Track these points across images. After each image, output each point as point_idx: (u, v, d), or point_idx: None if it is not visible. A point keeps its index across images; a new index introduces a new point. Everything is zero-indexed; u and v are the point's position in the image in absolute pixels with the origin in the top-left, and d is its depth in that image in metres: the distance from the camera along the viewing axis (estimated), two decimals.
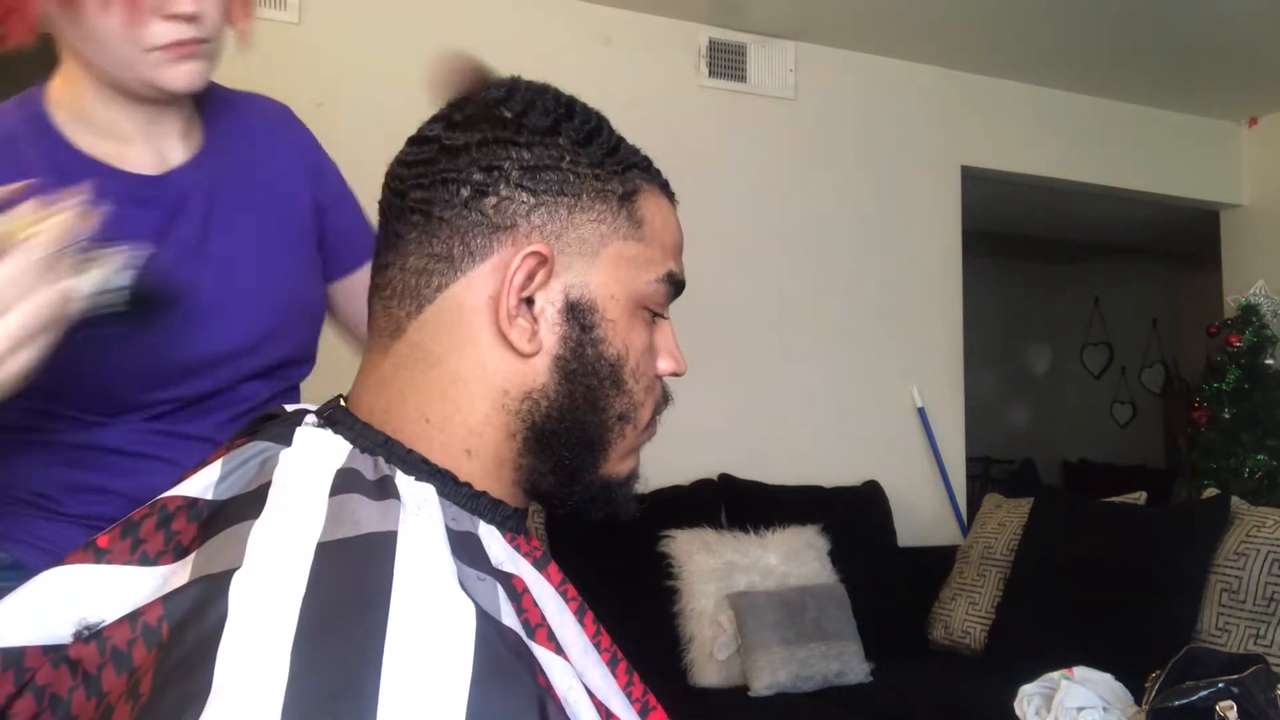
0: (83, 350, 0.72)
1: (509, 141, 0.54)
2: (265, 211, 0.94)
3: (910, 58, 3.38)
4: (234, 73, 2.78)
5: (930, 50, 3.33)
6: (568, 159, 0.55)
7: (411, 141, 0.57)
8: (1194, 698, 1.67)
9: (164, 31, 0.78)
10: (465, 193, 0.53)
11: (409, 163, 0.56)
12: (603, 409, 0.56)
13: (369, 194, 0.58)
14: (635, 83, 2.99)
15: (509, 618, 0.46)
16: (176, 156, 0.89)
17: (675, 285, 0.60)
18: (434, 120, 0.57)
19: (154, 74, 0.80)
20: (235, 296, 0.88)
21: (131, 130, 0.86)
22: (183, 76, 0.81)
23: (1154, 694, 1.76)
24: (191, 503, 0.50)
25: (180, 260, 0.84)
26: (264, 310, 0.91)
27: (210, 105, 0.95)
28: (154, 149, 0.87)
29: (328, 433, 0.53)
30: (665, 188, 0.62)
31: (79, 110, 0.84)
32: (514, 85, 0.57)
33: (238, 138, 0.96)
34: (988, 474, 6.09)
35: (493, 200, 0.53)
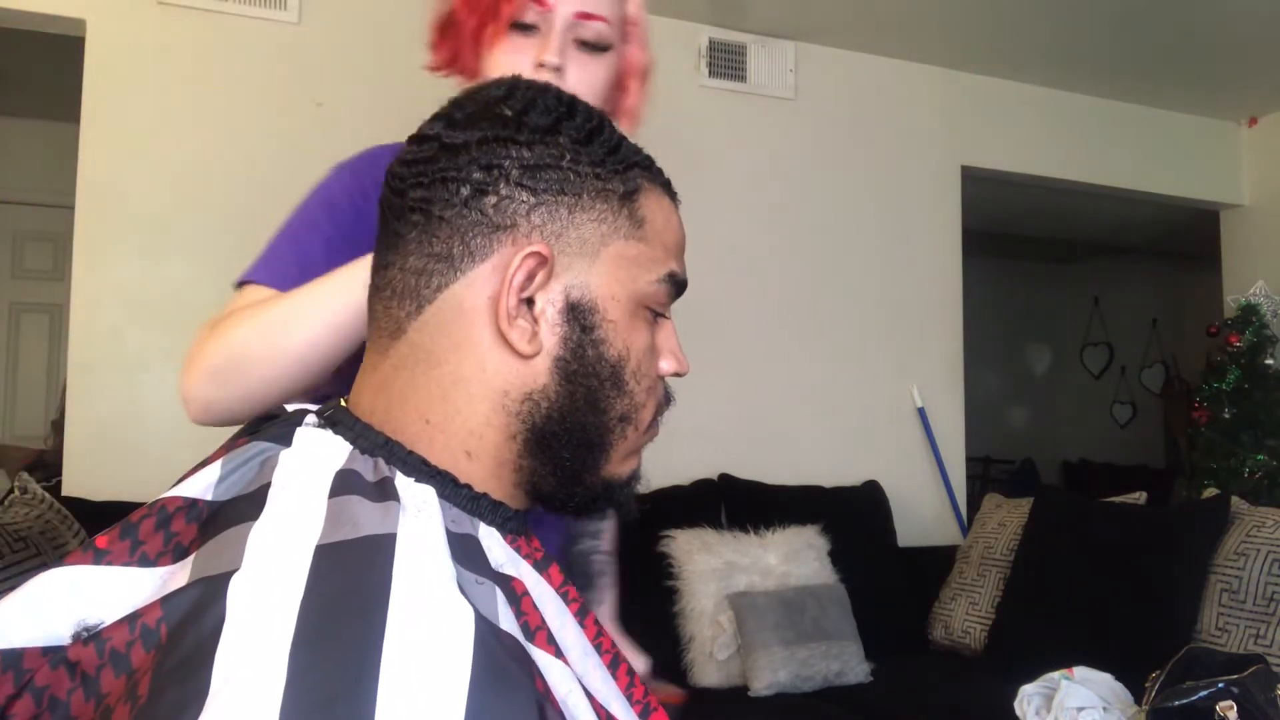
0: None
1: (509, 140, 0.53)
2: None
3: (910, 58, 3.38)
4: (234, 73, 2.78)
5: (930, 50, 3.33)
6: (568, 158, 0.54)
7: (411, 140, 0.57)
8: (1194, 698, 1.67)
9: (528, 71, 0.88)
10: (465, 191, 0.53)
11: (409, 161, 0.55)
12: (604, 410, 0.56)
13: None
14: None
15: (507, 622, 0.45)
16: None
17: (677, 285, 0.59)
18: (434, 119, 0.57)
19: None
20: None
21: None
22: None
23: (1154, 694, 1.75)
24: (191, 503, 0.49)
25: None
26: None
27: None
28: None
29: (328, 433, 0.53)
30: (667, 187, 0.61)
31: None
32: (514, 84, 0.57)
33: None
34: (988, 474, 6.09)
35: (493, 199, 0.53)
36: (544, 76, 0.89)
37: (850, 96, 3.34)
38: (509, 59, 0.91)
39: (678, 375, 0.62)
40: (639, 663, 1.16)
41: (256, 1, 2.57)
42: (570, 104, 0.56)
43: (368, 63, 2.67)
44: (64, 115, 3.20)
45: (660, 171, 0.61)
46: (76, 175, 2.42)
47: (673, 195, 0.62)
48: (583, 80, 0.91)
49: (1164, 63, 3.37)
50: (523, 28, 0.91)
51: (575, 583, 1.12)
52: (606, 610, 1.23)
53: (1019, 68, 3.46)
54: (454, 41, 0.99)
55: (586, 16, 0.91)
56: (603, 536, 1.24)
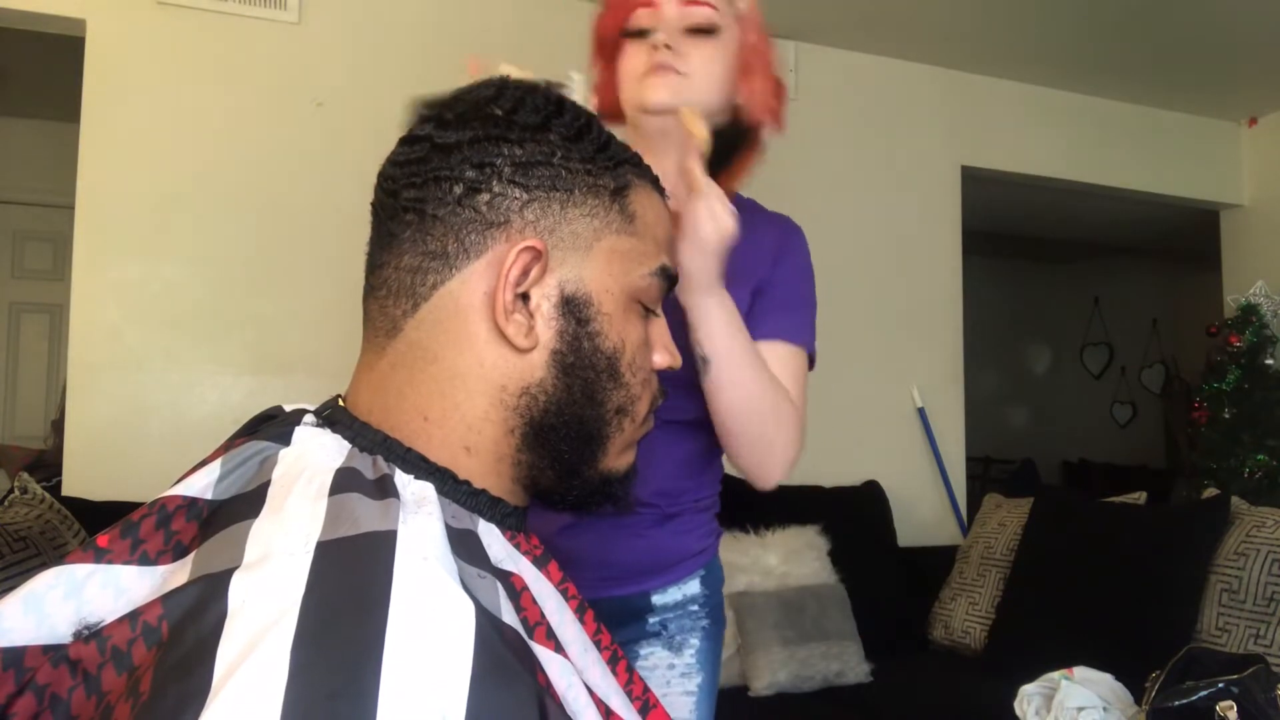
0: None
1: (500, 138, 0.54)
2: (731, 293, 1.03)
3: (910, 58, 3.38)
4: (234, 73, 2.78)
5: (930, 50, 3.33)
6: (559, 154, 0.55)
7: (403, 141, 0.57)
8: (1194, 698, 1.67)
9: (645, 62, 0.97)
10: (458, 190, 0.53)
11: (401, 162, 0.56)
12: (600, 403, 0.56)
13: (369, 195, 0.58)
14: None
15: (509, 615, 0.46)
16: None
17: (669, 279, 0.60)
18: (425, 119, 0.57)
19: (637, 95, 0.98)
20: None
21: None
22: (649, 90, 0.97)
23: (1154, 694, 1.75)
24: (191, 502, 0.50)
25: None
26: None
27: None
28: None
29: (326, 432, 0.53)
30: (656, 183, 0.62)
31: None
32: (503, 84, 0.57)
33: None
34: (988, 474, 6.09)
35: (485, 197, 0.53)
36: (659, 56, 0.95)
37: (850, 96, 3.33)
38: (630, 60, 0.99)
39: (670, 369, 0.62)
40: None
41: (256, 1, 2.57)
42: (559, 103, 0.57)
43: (368, 63, 2.68)
44: (64, 115, 3.20)
45: (649, 168, 0.61)
46: (76, 175, 2.43)
47: (661, 191, 0.62)
48: (699, 57, 0.97)
49: (1164, 63, 3.37)
50: (640, 34, 0.99)
51: None
52: None
53: (1019, 68, 3.46)
54: (609, 87, 1.06)
55: (691, 2, 0.97)
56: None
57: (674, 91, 0.96)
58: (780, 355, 1.04)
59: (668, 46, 0.96)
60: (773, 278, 1.07)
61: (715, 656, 1.11)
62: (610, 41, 1.03)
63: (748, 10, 1.05)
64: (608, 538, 1.01)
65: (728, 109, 1.04)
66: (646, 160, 1.00)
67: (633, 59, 0.99)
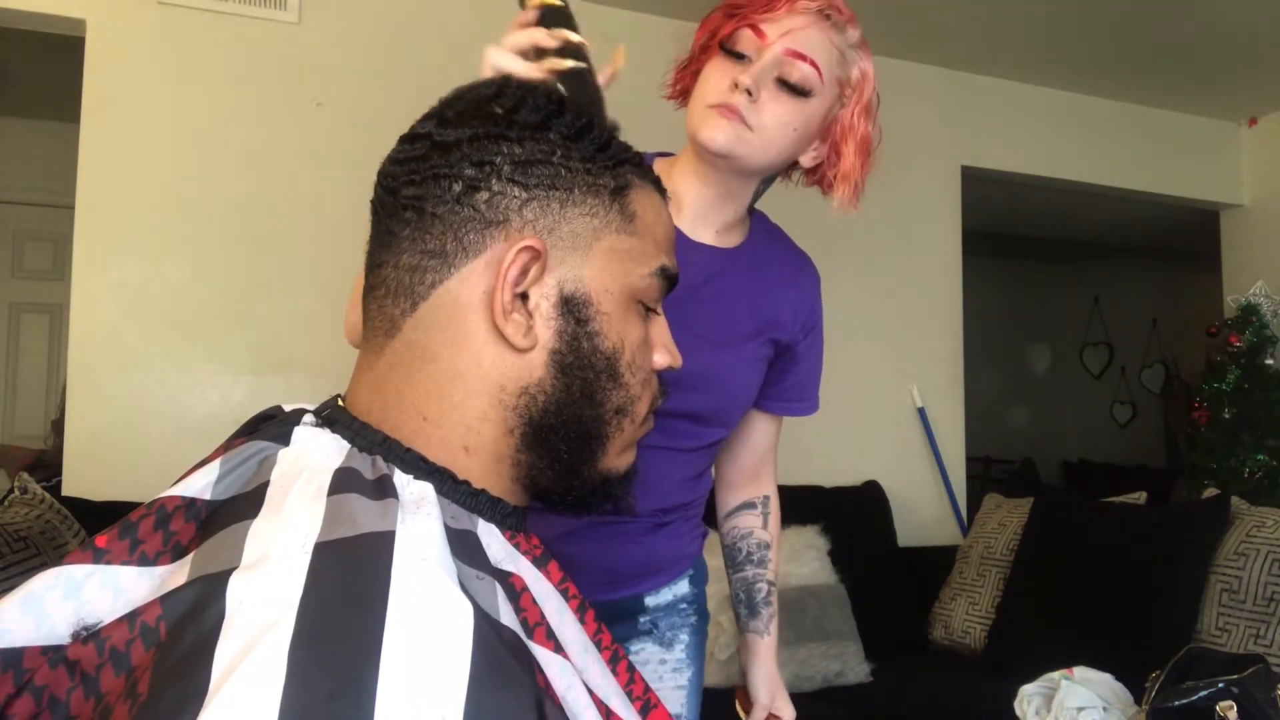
0: None
1: (500, 137, 0.54)
2: (749, 320, 1.05)
3: (910, 58, 3.37)
4: (234, 73, 2.78)
5: (930, 50, 3.33)
6: (559, 154, 0.55)
7: (403, 139, 0.57)
8: (1194, 698, 1.67)
9: (721, 93, 0.93)
10: (457, 188, 0.53)
11: (401, 160, 0.56)
12: (600, 403, 0.56)
13: (369, 194, 0.58)
14: (635, 82, 2.99)
15: (507, 617, 0.46)
16: (701, 240, 1.03)
17: (668, 279, 0.60)
18: (426, 117, 0.57)
19: (697, 125, 0.95)
20: (695, 375, 0.92)
21: (686, 201, 1.01)
22: (708, 126, 0.94)
23: (1154, 694, 1.75)
24: (190, 502, 0.49)
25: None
26: (712, 393, 1.01)
27: (760, 228, 1.11)
28: (690, 225, 1.02)
29: (326, 432, 0.53)
30: (657, 184, 0.62)
31: (662, 173, 0.95)
32: (504, 83, 0.57)
33: (759, 257, 1.08)
34: (988, 474, 6.08)
35: (484, 195, 0.53)
36: (734, 99, 0.92)
37: None
38: (712, 76, 0.96)
39: (671, 369, 0.62)
40: (788, 712, 1.14)
41: (256, 1, 2.57)
42: (560, 102, 0.57)
43: (368, 63, 2.67)
44: (64, 115, 3.20)
45: (650, 169, 0.61)
46: (76, 175, 2.42)
47: (663, 192, 0.62)
48: (774, 116, 0.94)
49: (1164, 63, 3.37)
50: (736, 55, 0.95)
51: (739, 611, 1.14)
52: (770, 643, 1.17)
53: (1019, 68, 3.46)
54: (687, 72, 1.05)
55: (797, 55, 0.94)
56: (768, 565, 1.18)
57: (733, 140, 0.93)
58: (783, 422, 1.16)
59: (748, 92, 0.92)
60: (799, 350, 1.10)
61: (701, 651, 1.16)
62: (710, 41, 0.99)
63: (858, 80, 1.02)
64: (606, 544, 1.02)
65: (784, 165, 1.02)
66: (677, 173, 1.01)
67: (714, 79, 0.95)
